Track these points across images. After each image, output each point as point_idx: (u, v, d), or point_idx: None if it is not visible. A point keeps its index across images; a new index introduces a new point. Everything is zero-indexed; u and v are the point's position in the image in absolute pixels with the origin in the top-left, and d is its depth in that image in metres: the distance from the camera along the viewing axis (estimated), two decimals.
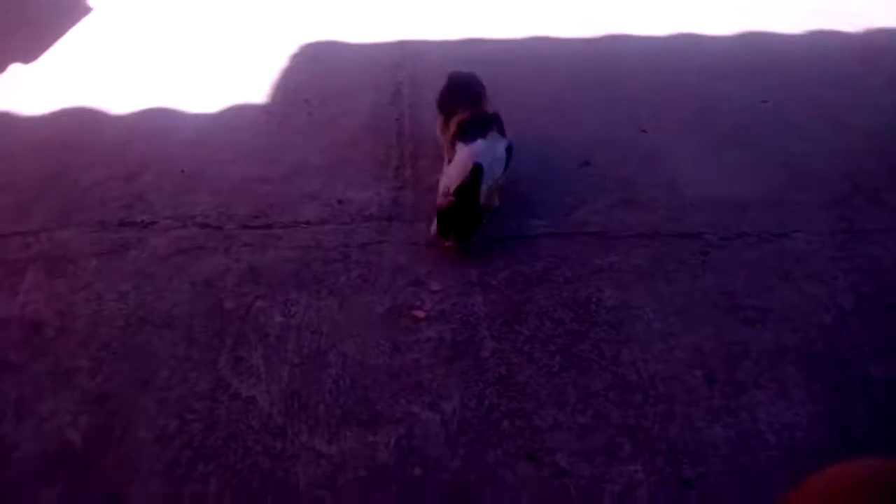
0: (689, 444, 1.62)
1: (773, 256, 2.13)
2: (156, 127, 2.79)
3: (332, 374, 1.78)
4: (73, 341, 1.87)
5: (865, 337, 1.88)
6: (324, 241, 2.20)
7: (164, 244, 2.19)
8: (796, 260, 2.12)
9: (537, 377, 1.77)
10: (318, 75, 3.14)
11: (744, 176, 2.47)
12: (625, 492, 1.53)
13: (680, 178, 2.45)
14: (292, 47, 3.37)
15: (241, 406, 1.71)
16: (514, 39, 3.44)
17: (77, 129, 2.77)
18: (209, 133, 2.75)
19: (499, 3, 3.81)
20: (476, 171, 2.07)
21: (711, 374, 1.78)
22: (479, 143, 2.14)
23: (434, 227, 2.12)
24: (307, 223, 2.27)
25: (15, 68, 3.22)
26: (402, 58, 3.25)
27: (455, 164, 2.13)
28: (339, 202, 2.36)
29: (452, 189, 2.06)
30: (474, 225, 2.08)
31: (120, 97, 2.96)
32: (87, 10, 3.77)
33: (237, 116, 2.87)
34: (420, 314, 1.95)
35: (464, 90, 2.36)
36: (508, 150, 2.21)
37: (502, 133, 2.22)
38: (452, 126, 2.26)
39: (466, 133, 2.18)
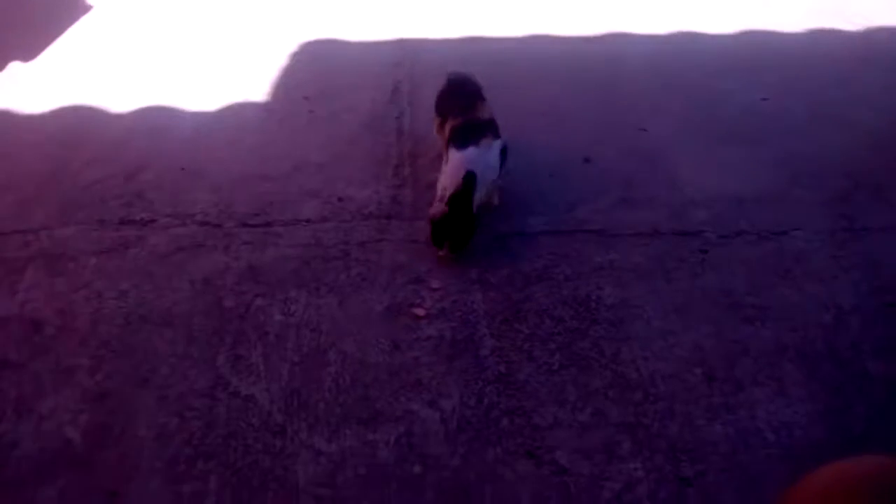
0: (689, 442, 1.62)
1: (773, 254, 2.13)
2: (156, 125, 2.79)
3: (331, 373, 1.78)
4: (72, 339, 1.87)
5: (865, 335, 1.88)
6: (324, 239, 2.20)
7: (163, 242, 2.19)
8: (796, 258, 2.12)
9: (537, 375, 1.78)
10: (318, 73, 3.13)
11: (744, 174, 2.47)
12: (624, 489, 1.53)
13: (680, 176, 2.46)
14: (292, 45, 3.37)
15: (240, 404, 1.71)
16: (514, 38, 3.44)
17: (77, 127, 2.77)
18: (209, 131, 2.75)
19: (499, 2, 3.81)
20: (469, 179, 2.05)
21: (711, 372, 1.78)
22: (472, 150, 2.12)
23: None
24: (307, 221, 2.27)
25: (14, 66, 3.22)
26: (402, 56, 3.25)
27: (448, 172, 2.13)
28: (339, 200, 2.36)
29: (445, 197, 2.05)
30: (468, 234, 2.07)
31: (120, 95, 2.96)
32: (86, 9, 3.77)
33: (237, 114, 2.87)
34: (420, 312, 1.95)
35: (460, 93, 2.34)
36: (504, 150, 2.20)
37: (496, 136, 2.20)
38: (447, 130, 2.25)
39: (459, 139, 2.17)
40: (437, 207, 2.07)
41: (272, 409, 1.69)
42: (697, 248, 2.15)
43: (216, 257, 2.13)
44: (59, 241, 2.19)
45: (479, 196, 2.10)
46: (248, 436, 1.64)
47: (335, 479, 1.55)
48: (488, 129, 2.20)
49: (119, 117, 2.85)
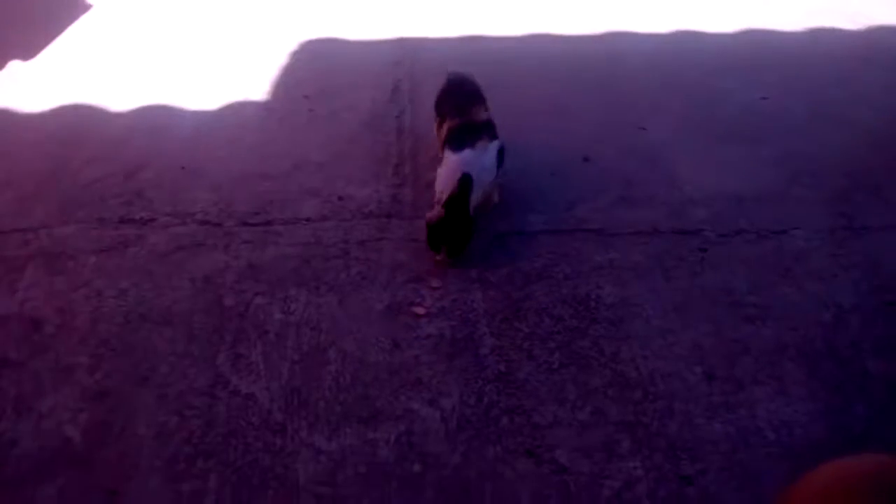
0: (688, 441, 1.62)
1: (773, 253, 2.13)
2: (155, 124, 2.79)
3: (331, 371, 1.78)
4: (72, 338, 1.87)
5: (865, 334, 1.88)
6: (324, 237, 2.20)
7: (163, 241, 2.19)
8: (796, 257, 2.12)
9: (537, 374, 1.78)
10: (319, 72, 3.13)
11: (743, 173, 2.47)
12: (624, 488, 1.53)
13: (679, 175, 2.46)
14: (292, 44, 3.37)
15: (240, 402, 1.71)
16: (514, 37, 3.44)
17: (77, 125, 2.77)
18: (209, 130, 2.75)
19: (499, 1, 3.81)
20: (465, 182, 2.04)
21: (711, 370, 1.78)
22: (467, 152, 2.11)
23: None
24: (307, 220, 2.27)
25: (14, 65, 3.22)
26: (402, 55, 3.25)
27: (443, 174, 2.12)
28: (340, 199, 2.35)
29: (442, 201, 2.04)
30: (465, 237, 2.05)
31: (119, 94, 2.96)
32: (86, 7, 3.77)
33: (237, 113, 2.87)
34: (420, 311, 1.95)
35: (458, 93, 2.32)
36: (501, 152, 2.19)
37: (493, 138, 2.19)
38: (443, 131, 2.24)
39: (455, 141, 2.15)
40: (434, 211, 2.05)
41: (272, 408, 1.69)
42: (697, 246, 2.15)
43: (216, 256, 2.13)
44: (59, 240, 2.19)
45: (475, 198, 2.08)
46: (248, 434, 1.64)
47: (335, 477, 1.55)
48: (485, 130, 2.19)
49: (119, 116, 2.85)
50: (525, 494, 1.52)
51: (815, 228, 2.22)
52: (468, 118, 2.21)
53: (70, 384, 1.75)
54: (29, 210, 2.31)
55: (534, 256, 2.12)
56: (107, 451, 1.60)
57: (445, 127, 2.24)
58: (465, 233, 2.04)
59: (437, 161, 2.30)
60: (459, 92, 2.33)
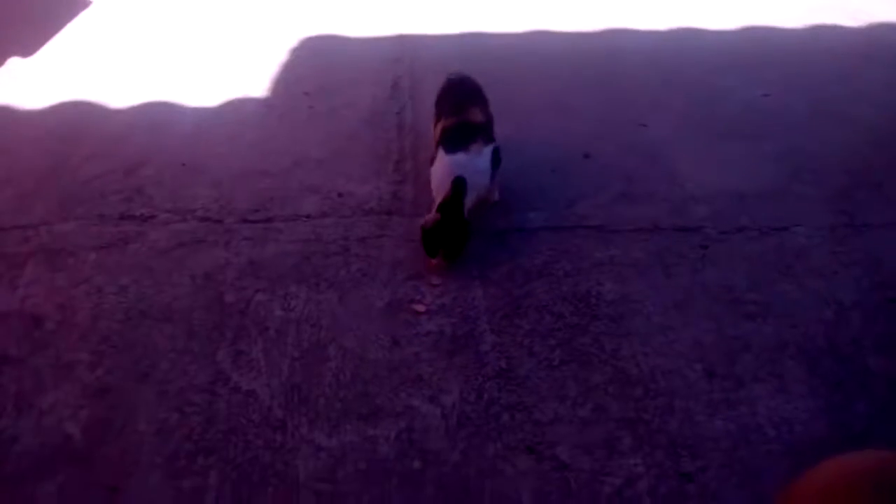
0: (689, 438, 1.62)
1: (774, 250, 2.13)
2: (156, 120, 2.79)
3: (332, 368, 1.78)
4: (73, 335, 1.87)
5: (866, 331, 1.87)
6: (324, 234, 2.19)
7: (164, 238, 2.18)
8: (797, 254, 2.11)
9: (537, 371, 1.77)
10: (319, 69, 3.13)
11: (744, 170, 2.47)
12: (625, 485, 1.53)
13: (680, 172, 2.45)
14: (292, 41, 3.36)
15: (241, 399, 1.71)
16: (515, 33, 3.44)
17: (76, 122, 2.77)
18: (209, 126, 2.75)
19: None
20: (458, 185, 2.02)
21: (711, 367, 1.78)
22: (461, 155, 2.09)
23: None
24: (307, 217, 2.27)
25: (14, 62, 3.21)
26: (402, 52, 3.25)
27: (437, 177, 2.11)
28: (340, 196, 2.35)
29: (436, 205, 2.03)
30: (461, 241, 2.03)
31: (119, 91, 2.96)
32: (85, 4, 3.77)
33: (237, 110, 2.87)
34: (420, 308, 1.94)
35: (457, 93, 2.30)
36: (497, 152, 2.17)
37: (489, 141, 2.16)
38: (438, 130, 2.23)
39: (448, 142, 2.13)
40: (429, 216, 2.03)
41: (272, 405, 1.69)
42: (698, 243, 2.15)
43: (216, 253, 2.13)
44: (59, 237, 2.19)
45: (469, 201, 2.06)
46: (248, 431, 1.64)
47: (335, 474, 1.55)
48: (480, 132, 2.16)
49: (119, 112, 2.85)
50: (525, 491, 1.52)
51: (816, 225, 2.22)
52: (464, 118, 2.19)
53: (70, 381, 1.75)
54: (29, 207, 2.31)
55: (534, 253, 2.12)
56: (107, 448, 1.60)
57: (440, 126, 2.22)
58: (461, 237, 2.02)
59: (431, 159, 2.29)
60: (458, 91, 2.31)
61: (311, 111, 2.83)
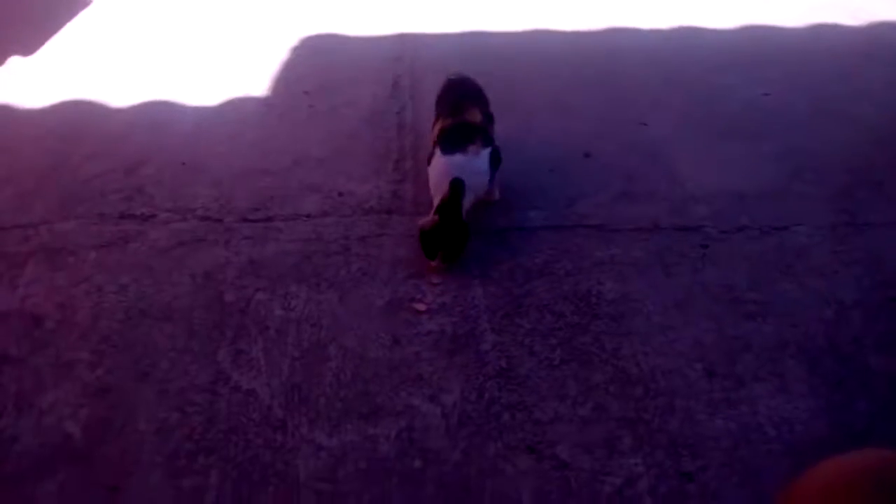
0: (690, 437, 1.62)
1: (775, 250, 2.13)
2: (156, 119, 2.79)
3: (332, 367, 1.78)
4: (73, 334, 1.87)
5: (867, 330, 1.87)
6: (324, 233, 2.19)
7: (164, 237, 2.18)
8: (797, 253, 2.11)
9: (538, 370, 1.77)
10: (319, 68, 3.13)
11: (745, 169, 2.47)
12: (625, 484, 1.53)
13: (680, 171, 2.45)
14: (293, 40, 3.36)
15: (241, 399, 1.71)
16: (515, 32, 3.43)
17: (77, 121, 2.77)
18: (209, 125, 2.75)
19: None
20: (456, 187, 2.01)
21: (712, 367, 1.78)
22: (458, 157, 2.07)
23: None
24: (308, 216, 2.27)
25: (14, 61, 3.21)
26: (403, 51, 3.25)
27: (434, 178, 2.10)
28: (340, 195, 2.35)
29: (434, 207, 2.02)
30: (460, 243, 2.02)
31: (120, 90, 2.96)
32: (85, 3, 3.76)
33: (238, 109, 2.86)
34: (420, 307, 1.94)
35: (456, 93, 2.29)
36: (496, 153, 2.16)
37: (489, 141, 2.15)
38: (436, 130, 2.22)
39: (445, 143, 2.12)
40: (427, 218, 2.02)
41: (273, 404, 1.69)
42: (698, 243, 2.15)
43: (217, 252, 2.13)
44: (59, 236, 2.18)
45: (467, 202, 2.05)
46: (248, 430, 1.64)
47: (336, 473, 1.55)
48: (479, 134, 2.14)
49: (119, 111, 2.84)
50: (526, 491, 1.52)
51: (816, 225, 2.21)
52: (463, 119, 2.18)
53: (70, 380, 1.75)
54: (29, 206, 2.31)
55: (535, 252, 2.12)
56: (107, 448, 1.60)
57: (438, 126, 2.21)
58: (460, 238, 2.01)
59: (428, 158, 2.28)
60: (458, 91, 2.30)
61: (311, 110, 2.83)
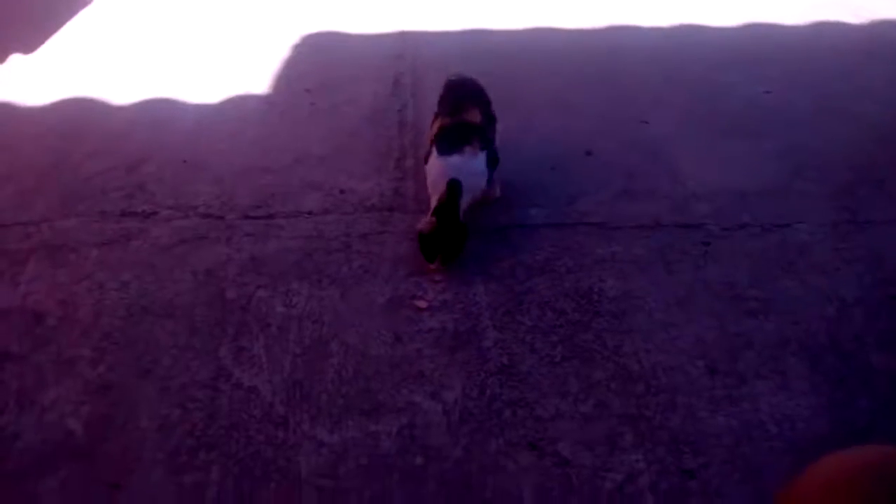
0: (691, 434, 1.62)
1: (776, 247, 2.13)
2: (157, 117, 2.79)
3: (333, 364, 1.78)
4: (74, 331, 1.87)
5: (868, 328, 1.87)
6: (325, 231, 2.19)
7: (165, 234, 2.18)
8: (799, 251, 2.11)
9: (539, 367, 1.77)
10: (320, 66, 3.13)
11: (746, 166, 2.47)
12: (626, 481, 1.53)
13: (682, 169, 2.45)
14: (294, 38, 3.36)
15: (243, 395, 1.71)
16: (516, 30, 3.43)
17: (78, 119, 2.77)
18: (211, 123, 2.75)
19: None
20: (454, 188, 2.00)
21: (713, 364, 1.78)
22: (455, 157, 2.06)
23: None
24: (309, 213, 2.27)
25: (15, 59, 3.21)
26: (404, 48, 3.25)
27: (431, 179, 2.09)
28: (341, 192, 2.35)
29: (431, 209, 2.01)
30: (459, 244, 2.02)
31: (121, 87, 2.96)
32: (85, 2, 3.76)
33: (239, 107, 2.87)
34: (422, 304, 1.94)
35: (456, 93, 2.27)
36: (494, 154, 2.15)
37: (487, 142, 2.14)
38: (434, 129, 2.21)
39: (442, 143, 2.11)
40: (425, 221, 2.02)
41: (274, 401, 1.69)
42: (700, 240, 2.15)
43: (218, 249, 2.13)
44: (61, 233, 2.19)
45: (465, 203, 2.04)
46: (250, 427, 1.64)
47: (337, 469, 1.55)
48: (477, 134, 2.13)
49: (120, 109, 2.85)
50: (527, 487, 1.52)
51: (818, 222, 2.21)
52: (461, 119, 2.17)
53: (72, 377, 1.75)
54: (30, 203, 2.31)
55: (536, 250, 2.12)
56: (109, 444, 1.60)
57: (437, 125, 2.21)
58: (458, 240, 2.01)
59: (425, 157, 2.27)
60: (458, 91, 2.28)
61: (312, 108, 2.83)
